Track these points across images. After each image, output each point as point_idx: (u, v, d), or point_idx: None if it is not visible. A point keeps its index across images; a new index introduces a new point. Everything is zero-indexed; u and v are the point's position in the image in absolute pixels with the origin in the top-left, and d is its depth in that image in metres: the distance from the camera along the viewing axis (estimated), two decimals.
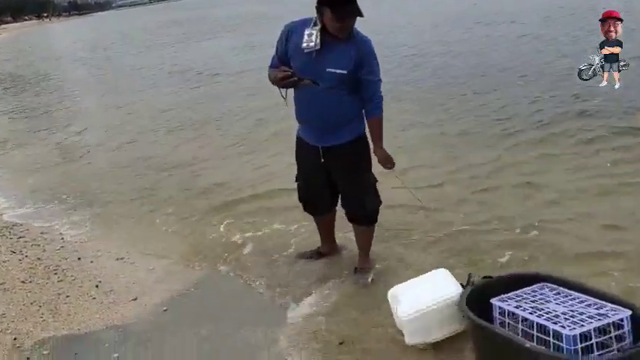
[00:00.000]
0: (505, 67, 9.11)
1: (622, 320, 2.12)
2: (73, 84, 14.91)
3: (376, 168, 3.23)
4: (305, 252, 3.73)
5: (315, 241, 3.74)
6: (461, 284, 2.66)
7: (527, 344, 2.12)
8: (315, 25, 2.83)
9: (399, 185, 3.58)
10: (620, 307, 2.18)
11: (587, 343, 2.07)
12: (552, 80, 7.76)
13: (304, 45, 2.84)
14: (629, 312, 2.13)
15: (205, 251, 4.02)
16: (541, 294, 2.45)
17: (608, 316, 2.14)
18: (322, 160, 3.14)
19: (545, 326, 2.16)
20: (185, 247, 4.13)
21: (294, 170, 3.44)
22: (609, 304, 2.22)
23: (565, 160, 4.91)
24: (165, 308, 3.36)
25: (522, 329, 2.28)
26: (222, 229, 4.33)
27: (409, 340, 2.69)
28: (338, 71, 2.87)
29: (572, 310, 2.24)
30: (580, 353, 2.05)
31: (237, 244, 4.06)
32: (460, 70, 9.45)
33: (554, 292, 2.45)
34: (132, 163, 6.62)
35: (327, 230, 3.62)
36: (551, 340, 2.13)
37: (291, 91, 3.08)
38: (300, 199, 3.50)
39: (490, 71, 8.97)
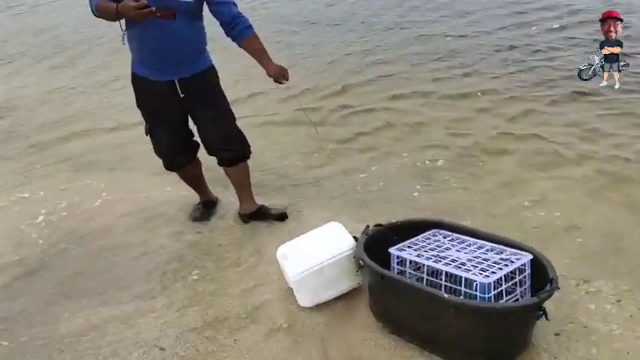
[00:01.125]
0: None
1: (524, 265, 2.09)
2: None
3: None
4: (195, 212, 3.32)
5: None
6: (354, 237, 2.42)
7: (446, 296, 1.96)
8: None
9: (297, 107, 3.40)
10: (520, 252, 2.15)
11: (498, 290, 2.00)
12: None
13: None
14: (531, 256, 2.10)
15: None
16: (436, 241, 2.34)
17: (512, 262, 2.09)
18: (182, 95, 2.84)
19: (456, 275, 2.03)
20: None
21: None
22: (508, 249, 2.19)
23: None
24: None
25: (427, 279, 2.13)
26: None
27: (301, 302, 2.39)
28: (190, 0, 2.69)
29: (475, 257, 2.15)
30: (493, 301, 1.97)
31: None
32: None
33: (447, 238, 2.35)
34: None
35: (199, 180, 3.30)
36: (463, 289, 2.01)
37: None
38: (160, 153, 3.07)
39: None
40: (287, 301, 2.46)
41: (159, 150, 3.08)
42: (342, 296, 2.42)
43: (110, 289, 2.71)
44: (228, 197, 3.40)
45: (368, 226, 2.41)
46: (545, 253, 2.15)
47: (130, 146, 4.48)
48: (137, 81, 2.89)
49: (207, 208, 3.32)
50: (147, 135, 3.02)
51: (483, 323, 1.97)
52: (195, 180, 3.28)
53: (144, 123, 3.00)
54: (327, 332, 2.28)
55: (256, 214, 3.15)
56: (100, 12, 2.65)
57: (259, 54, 2.85)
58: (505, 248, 2.19)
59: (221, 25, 2.85)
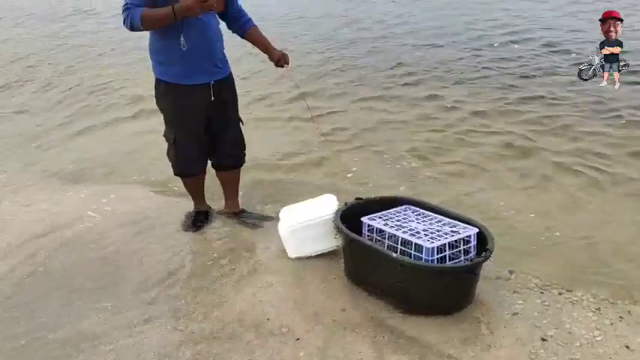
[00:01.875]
0: None
1: (470, 237, 2.48)
2: None
3: None
4: (189, 221, 3.35)
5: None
6: (358, 198, 2.91)
7: (394, 254, 2.39)
8: None
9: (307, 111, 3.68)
10: (469, 226, 2.54)
11: (442, 255, 2.41)
12: None
13: None
14: (477, 230, 2.49)
15: None
16: (404, 214, 2.75)
17: (459, 233, 2.49)
18: (212, 98, 2.95)
19: (409, 240, 2.45)
20: None
21: None
22: (460, 224, 2.58)
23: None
24: None
25: (388, 244, 2.56)
26: None
27: (290, 253, 2.88)
28: None
29: (430, 228, 2.55)
30: (436, 262, 2.38)
31: None
32: None
33: (415, 213, 2.76)
34: None
35: (202, 188, 3.35)
36: (413, 252, 2.42)
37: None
38: (180, 160, 3.12)
39: None
40: (288, 312, 2.53)
41: (180, 157, 3.09)
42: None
43: (111, 298, 2.73)
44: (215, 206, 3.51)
45: (347, 202, 2.85)
46: (529, 260, 2.58)
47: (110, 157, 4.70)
48: (170, 89, 2.90)
49: (203, 216, 3.35)
50: (173, 144, 3.05)
51: (423, 279, 2.39)
52: (199, 188, 3.30)
53: (165, 132, 3.09)
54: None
55: (237, 215, 3.34)
56: (147, 21, 2.65)
57: (265, 41, 3.08)
58: (458, 223, 2.59)
59: (228, 18, 3.02)
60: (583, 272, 2.80)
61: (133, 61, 7.58)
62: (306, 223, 2.80)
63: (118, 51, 8.30)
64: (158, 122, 3.27)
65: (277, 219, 3.02)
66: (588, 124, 4.54)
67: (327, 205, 2.86)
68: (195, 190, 3.33)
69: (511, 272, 2.73)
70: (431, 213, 2.73)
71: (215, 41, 2.90)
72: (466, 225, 2.55)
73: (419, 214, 2.74)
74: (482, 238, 2.48)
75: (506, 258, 2.81)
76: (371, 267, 2.53)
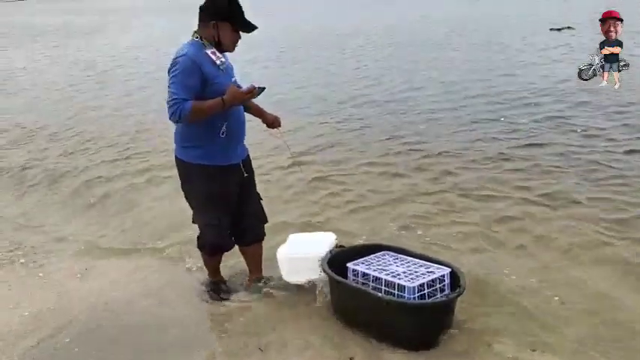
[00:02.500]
0: None
1: (444, 276, 2.83)
2: None
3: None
4: (215, 290, 3.40)
5: None
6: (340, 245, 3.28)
7: (380, 294, 2.71)
8: (205, 45, 2.89)
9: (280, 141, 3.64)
10: (442, 267, 2.89)
11: (421, 293, 2.74)
12: None
13: (219, 62, 2.89)
14: (449, 270, 2.85)
15: None
16: (384, 259, 3.09)
17: (434, 273, 2.84)
18: (245, 175, 3.13)
19: (392, 282, 2.78)
20: None
21: None
22: (434, 265, 2.93)
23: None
24: None
25: (373, 286, 2.87)
26: None
27: (284, 276, 3.26)
28: (235, 78, 3.04)
29: (409, 270, 2.89)
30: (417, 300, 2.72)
31: None
32: None
33: (393, 257, 3.10)
34: None
35: (219, 262, 3.43)
36: (396, 292, 2.75)
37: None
38: (216, 239, 3.19)
39: None
40: None
41: (217, 235, 3.16)
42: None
43: None
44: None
45: (331, 251, 3.18)
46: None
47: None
48: (209, 172, 2.98)
49: (224, 286, 3.44)
50: (217, 225, 3.10)
51: (406, 315, 2.71)
52: (219, 261, 3.40)
53: (197, 216, 3.17)
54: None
55: (261, 280, 3.44)
56: (197, 113, 2.78)
57: (258, 107, 3.29)
58: (432, 264, 2.94)
59: None
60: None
61: None
62: (303, 255, 3.17)
63: None
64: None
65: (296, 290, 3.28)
66: None
67: (323, 245, 3.20)
68: (217, 264, 3.41)
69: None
70: (409, 257, 3.07)
71: (244, 122, 3.12)
72: (439, 265, 2.91)
73: (397, 259, 3.08)
74: (455, 276, 2.84)
75: None
76: (358, 306, 2.83)
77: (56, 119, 8.42)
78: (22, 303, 3.46)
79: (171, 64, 2.85)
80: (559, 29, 14.35)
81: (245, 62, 11.21)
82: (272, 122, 3.31)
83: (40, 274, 3.86)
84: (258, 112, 3.32)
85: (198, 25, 2.94)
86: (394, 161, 5.75)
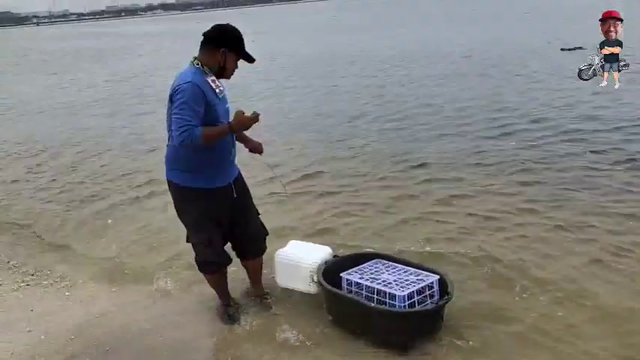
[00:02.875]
0: None
1: (432, 283, 2.98)
2: None
3: None
4: (228, 315, 3.41)
5: None
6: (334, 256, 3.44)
7: (372, 304, 2.86)
8: (205, 72, 2.96)
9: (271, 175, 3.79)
10: (431, 274, 3.04)
11: (412, 301, 2.89)
12: None
13: (217, 91, 2.99)
14: (438, 277, 3.00)
15: None
16: (376, 268, 3.23)
17: (424, 281, 2.98)
18: (235, 195, 3.20)
19: (384, 290, 2.92)
20: None
21: None
22: (424, 272, 3.08)
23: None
24: None
25: (365, 294, 3.02)
26: None
27: (277, 279, 3.50)
28: (229, 105, 3.15)
29: (399, 278, 3.04)
30: (407, 307, 2.87)
31: None
32: None
33: (385, 265, 3.25)
34: None
35: (225, 281, 3.45)
36: (388, 300, 2.89)
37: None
38: (213, 257, 3.24)
39: None
40: None
41: (214, 253, 3.22)
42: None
43: None
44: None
45: (326, 262, 3.32)
46: None
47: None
48: (199, 194, 3.05)
49: (231, 309, 3.42)
50: (208, 245, 3.16)
51: (396, 322, 2.86)
52: (224, 281, 3.42)
53: (191, 236, 3.21)
54: None
55: (261, 296, 3.53)
56: (208, 138, 2.85)
57: (242, 135, 3.28)
58: (422, 272, 3.09)
59: None
60: None
61: None
62: (293, 262, 3.34)
63: None
64: None
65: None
66: None
67: (319, 256, 3.36)
68: (223, 283, 3.42)
69: None
70: (400, 265, 3.22)
71: (233, 143, 3.17)
72: (428, 273, 3.06)
73: (388, 267, 3.23)
74: (444, 283, 2.98)
75: None
76: (352, 314, 2.99)
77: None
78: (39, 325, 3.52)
79: (175, 90, 2.88)
80: (570, 49, 13.93)
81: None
82: (254, 148, 3.34)
83: (62, 296, 3.92)
84: (242, 138, 3.35)
85: (201, 51, 3.00)
86: (405, 177, 5.78)
